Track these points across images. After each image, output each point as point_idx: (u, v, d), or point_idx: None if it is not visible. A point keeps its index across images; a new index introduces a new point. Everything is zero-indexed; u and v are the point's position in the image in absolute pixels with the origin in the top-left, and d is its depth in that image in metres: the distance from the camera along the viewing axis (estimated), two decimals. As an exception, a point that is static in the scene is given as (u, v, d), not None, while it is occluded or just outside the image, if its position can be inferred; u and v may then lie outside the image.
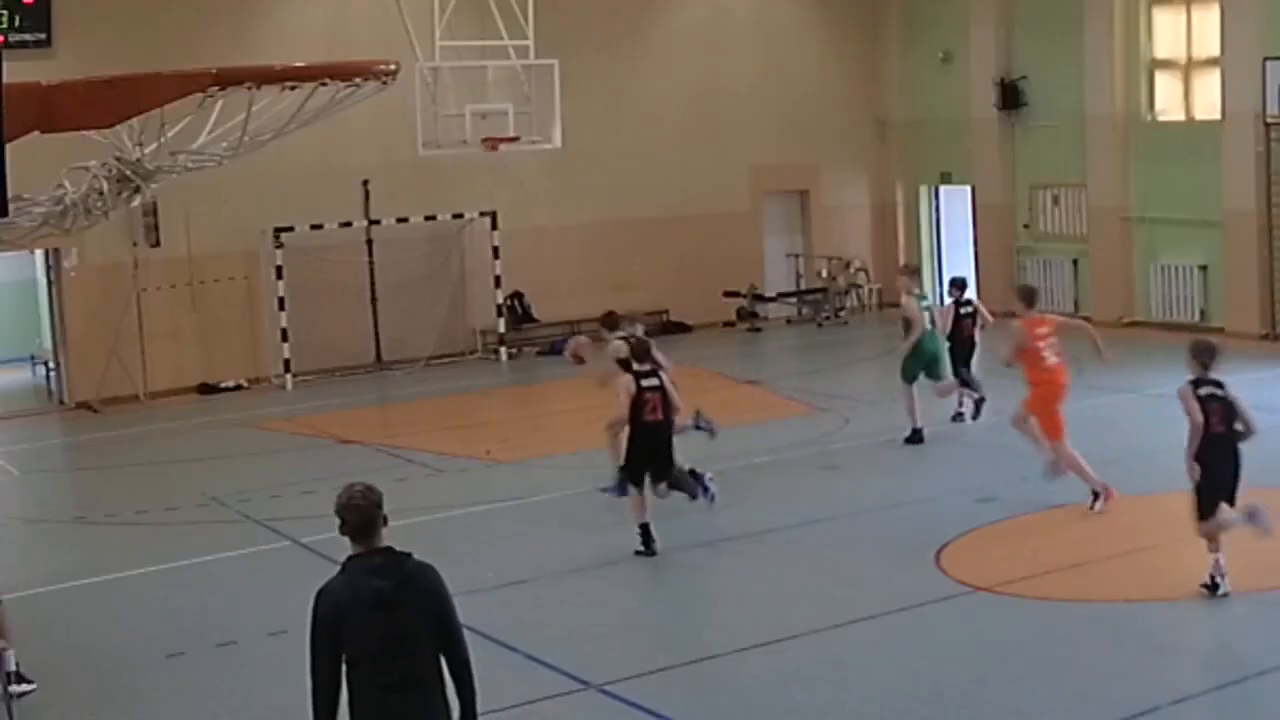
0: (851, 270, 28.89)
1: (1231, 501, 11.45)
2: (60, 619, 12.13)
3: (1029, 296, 15.11)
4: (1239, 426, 11.48)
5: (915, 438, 17.24)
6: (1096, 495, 13.92)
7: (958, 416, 18.34)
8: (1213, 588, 11.22)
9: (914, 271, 19.39)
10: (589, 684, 10.07)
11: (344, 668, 6.46)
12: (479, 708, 6.77)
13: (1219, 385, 11.66)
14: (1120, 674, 9.66)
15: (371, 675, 6.47)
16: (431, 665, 6.59)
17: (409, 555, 6.62)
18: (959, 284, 18.60)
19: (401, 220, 24.71)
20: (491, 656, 10.86)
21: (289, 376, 23.84)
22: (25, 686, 10.32)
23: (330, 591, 6.51)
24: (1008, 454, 16.75)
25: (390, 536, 6.52)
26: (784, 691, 9.78)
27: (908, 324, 17.46)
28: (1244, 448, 11.42)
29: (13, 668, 10.21)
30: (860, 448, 17.29)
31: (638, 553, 13.15)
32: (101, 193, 13.20)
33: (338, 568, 6.58)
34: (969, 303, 18.47)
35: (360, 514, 6.55)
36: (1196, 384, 11.64)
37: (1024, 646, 10.40)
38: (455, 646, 6.66)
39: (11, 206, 10.67)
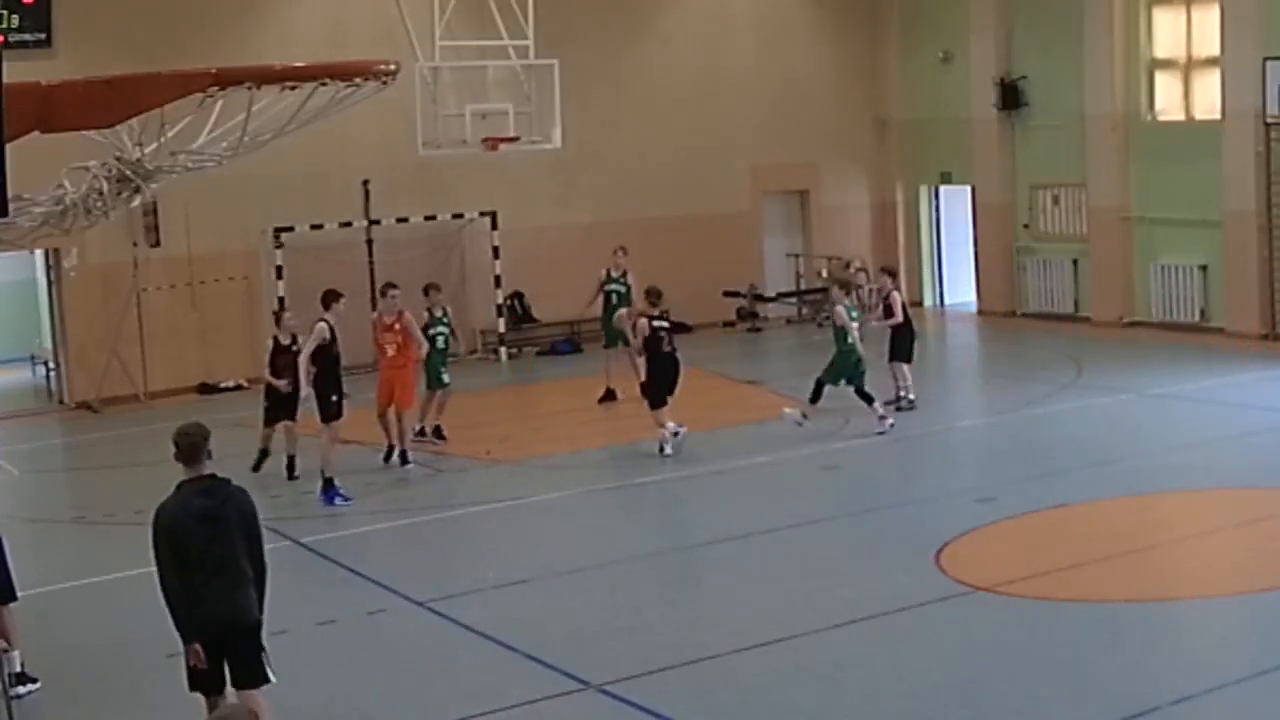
0: (851, 270, 28.84)
1: (671, 393, 17.23)
2: (60, 619, 12.13)
3: (385, 292, 17.98)
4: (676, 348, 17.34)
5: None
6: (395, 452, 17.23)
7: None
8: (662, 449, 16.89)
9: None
10: (589, 684, 10.06)
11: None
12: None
13: (665, 319, 17.66)
14: (1120, 674, 9.65)
15: (198, 573, 8.25)
16: (242, 566, 8.37)
17: (229, 481, 8.46)
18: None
19: (401, 220, 24.71)
20: (491, 656, 10.87)
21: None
22: (30, 686, 10.34)
23: (167, 508, 8.36)
24: (1008, 454, 16.80)
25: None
26: (784, 691, 9.77)
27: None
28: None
29: (16, 669, 10.23)
30: (860, 448, 17.29)
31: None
32: (101, 193, 13.20)
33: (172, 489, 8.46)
34: None
35: (190, 440, 8.37)
36: (653, 319, 17.40)
37: (1024, 646, 10.39)
38: (260, 552, 8.50)
39: (11, 206, 10.68)
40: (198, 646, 8.31)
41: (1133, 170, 25.06)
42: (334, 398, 16.26)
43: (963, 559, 12.42)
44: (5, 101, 9.90)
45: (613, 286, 20.85)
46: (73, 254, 22.61)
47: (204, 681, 8.44)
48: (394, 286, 17.99)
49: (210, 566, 8.27)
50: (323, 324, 16.32)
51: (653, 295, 17.83)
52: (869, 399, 17.63)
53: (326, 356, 16.25)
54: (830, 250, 28.72)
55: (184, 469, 8.43)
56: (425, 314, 18.71)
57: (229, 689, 8.55)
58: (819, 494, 15.35)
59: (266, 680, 8.51)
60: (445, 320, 18.67)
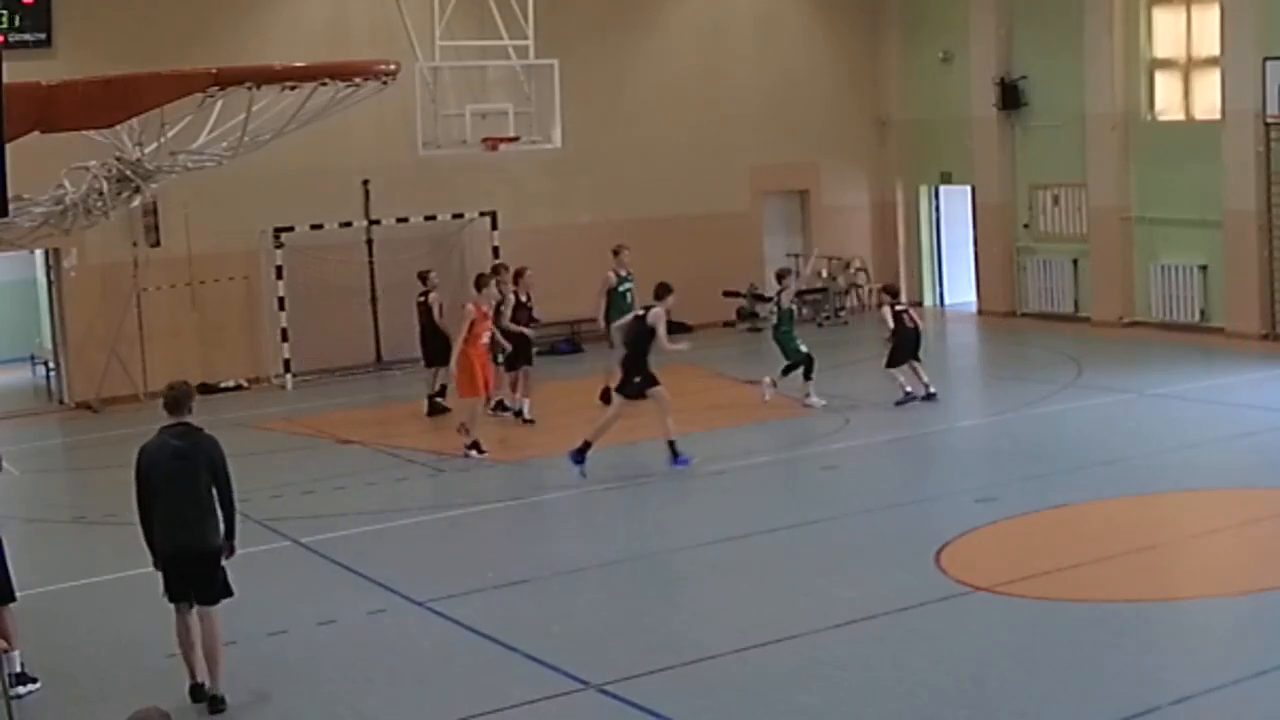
0: (851, 270, 28.89)
1: None
2: (60, 619, 12.13)
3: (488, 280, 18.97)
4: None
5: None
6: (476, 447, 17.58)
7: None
8: None
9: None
10: (589, 684, 10.06)
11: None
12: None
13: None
14: (1120, 674, 9.65)
15: (168, 505, 9.87)
16: (208, 501, 9.89)
17: (200, 429, 10.04)
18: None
19: (401, 220, 24.71)
20: (491, 656, 10.87)
21: (289, 376, 23.85)
22: (30, 686, 10.34)
23: (146, 448, 10.04)
24: (1008, 454, 16.79)
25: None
26: (784, 691, 9.77)
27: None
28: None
29: (16, 669, 10.22)
30: (860, 448, 17.30)
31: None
32: (101, 193, 13.19)
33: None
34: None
35: (174, 394, 10.11)
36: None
37: (1024, 646, 10.39)
38: (225, 489, 9.97)
39: (11, 206, 10.66)
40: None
41: (1133, 170, 25.06)
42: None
43: (963, 559, 12.42)
44: (5, 101, 9.88)
45: (627, 286, 20.61)
46: (73, 254, 22.62)
47: (175, 594, 10.07)
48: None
49: (177, 498, 9.84)
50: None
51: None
52: None
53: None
54: (830, 250, 28.70)
55: (167, 416, 10.06)
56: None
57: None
58: (819, 494, 15.35)
59: (224, 596, 10.11)
60: None
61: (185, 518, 9.87)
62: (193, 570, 9.97)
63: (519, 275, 20.28)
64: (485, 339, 18.03)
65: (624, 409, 16.36)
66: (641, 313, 16.78)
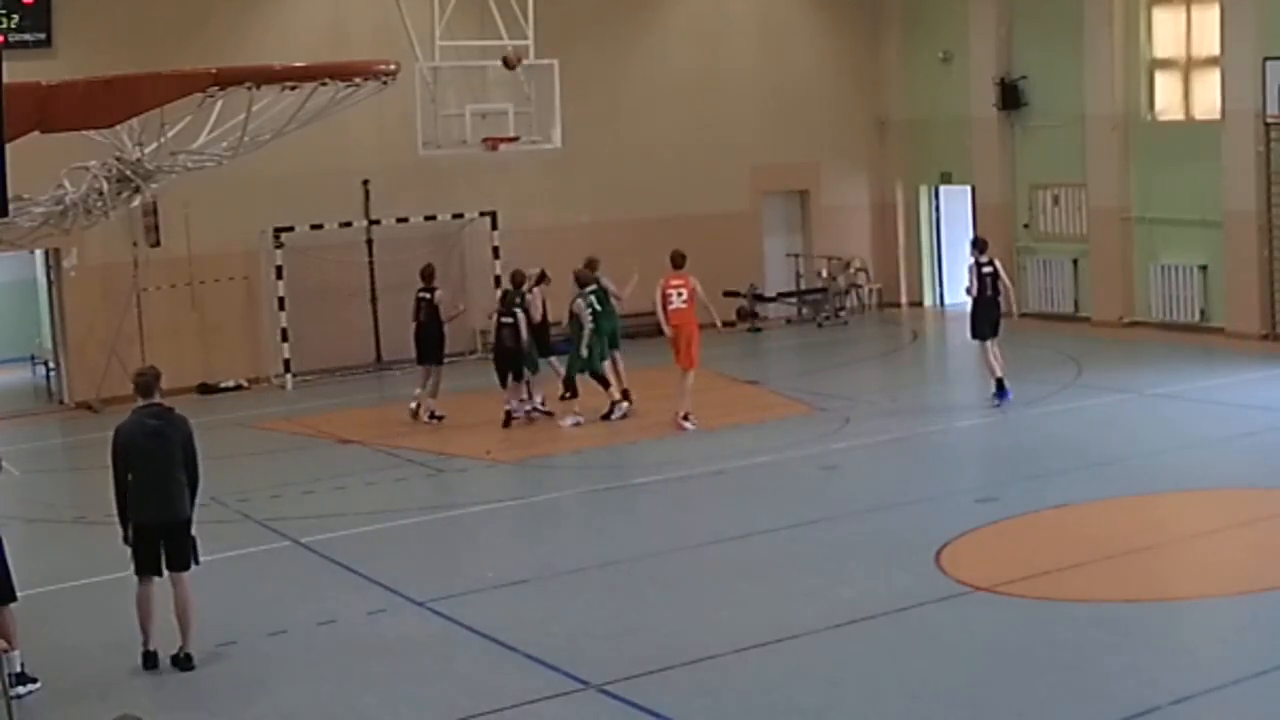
0: (851, 270, 28.89)
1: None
2: (60, 619, 12.13)
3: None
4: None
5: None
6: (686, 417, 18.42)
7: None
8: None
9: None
10: (589, 684, 10.06)
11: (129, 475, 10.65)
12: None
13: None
14: (1120, 674, 9.65)
15: (144, 479, 10.64)
16: (181, 474, 10.73)
17: (173, 409, 10.88)
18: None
19: (401, 220, 24.72)
20: (491, 656, 10.87)
21: (289, 376, 23.84)
22: (31, 686, 10.33)
23: (123, 427, 10.79)
24: (1008, 454, 16.80)
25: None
26: (784, 691, 9.77)
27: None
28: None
29: (16, 669, 10.22)
30: (860, 448, 17.30)
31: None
32: (101, 193, 13.19)
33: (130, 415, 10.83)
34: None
35: (144, 379, 10.89)
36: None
37: (1024, 646, 10.39)
38: (193, 467, 10.84)
39: (11, 206, 10.68)
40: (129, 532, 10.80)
41: (1133, 170, 25.06)
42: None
43: (963, 559, 12.42)
44: (5, 101, 9.89)
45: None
46: (73, 254, 22.62)
47: (143, 565, 10.75)
48: None
49: (154, 472, 10.62)
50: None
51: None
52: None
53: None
54: (830, 250, 28.74)
55: (140, 399, 10.82)
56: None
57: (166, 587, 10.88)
58: (819, 494, 15.35)
59: (191, 565, 10.85)
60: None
61: (163, 490, 10.66)
62: (168, 539, 10.74)
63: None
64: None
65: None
66: (991, 269, 18.77)
